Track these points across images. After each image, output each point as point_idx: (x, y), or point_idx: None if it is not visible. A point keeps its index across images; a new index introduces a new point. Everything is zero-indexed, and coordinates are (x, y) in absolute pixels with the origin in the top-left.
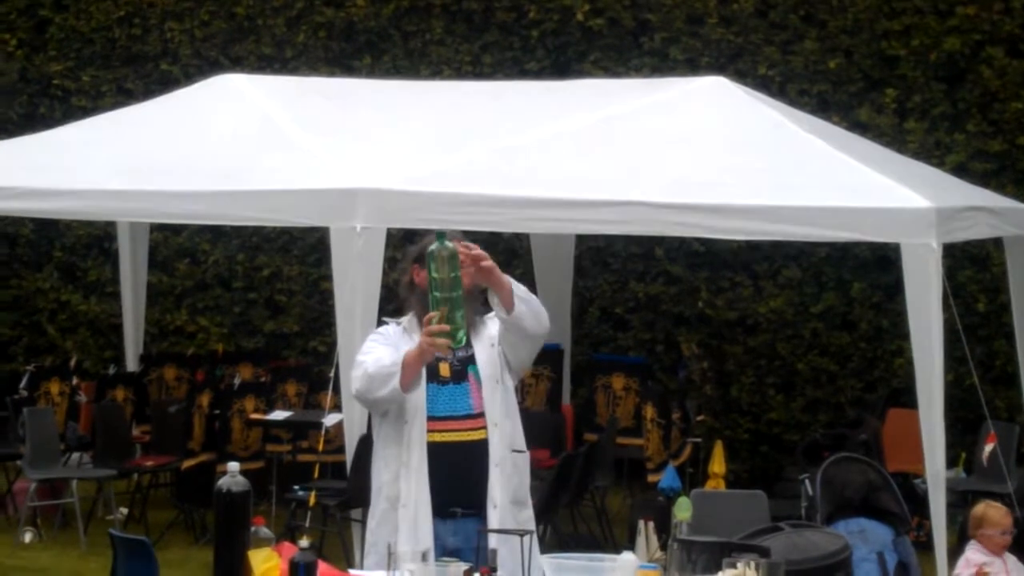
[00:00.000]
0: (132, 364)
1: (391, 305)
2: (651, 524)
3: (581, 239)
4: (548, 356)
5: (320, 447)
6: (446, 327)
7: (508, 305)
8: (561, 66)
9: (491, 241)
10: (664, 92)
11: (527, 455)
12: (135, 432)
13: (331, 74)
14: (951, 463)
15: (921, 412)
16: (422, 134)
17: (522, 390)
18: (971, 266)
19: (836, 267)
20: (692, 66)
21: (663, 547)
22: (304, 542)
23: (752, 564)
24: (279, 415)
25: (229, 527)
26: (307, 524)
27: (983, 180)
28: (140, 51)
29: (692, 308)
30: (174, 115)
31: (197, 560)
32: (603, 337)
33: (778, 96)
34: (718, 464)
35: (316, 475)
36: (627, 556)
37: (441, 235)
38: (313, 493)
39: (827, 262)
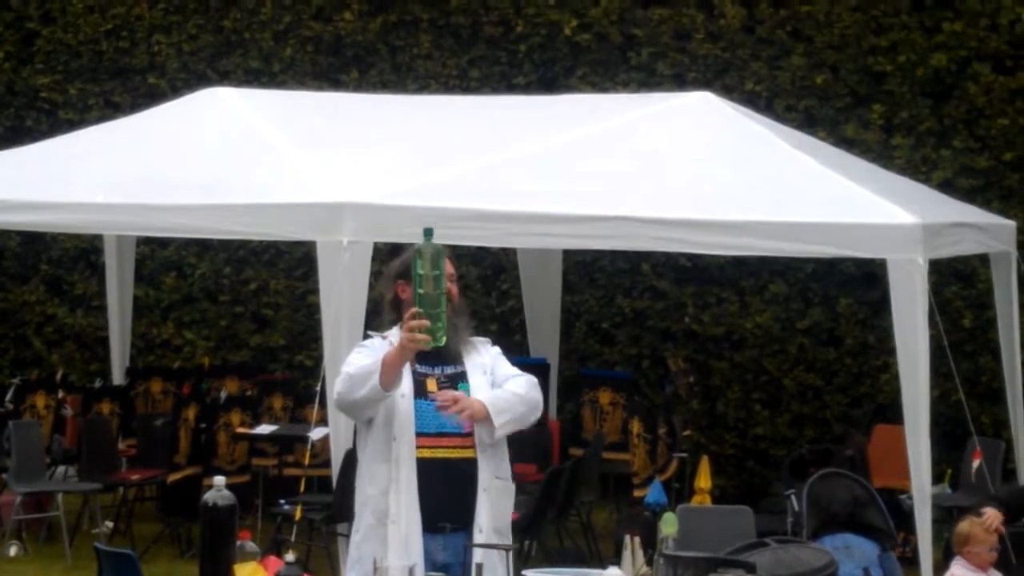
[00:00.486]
0: (118, 377)
1: (377, 319)
2: (637, 539)
3: (568, 254)
4: (534, 371)
5: (306, 461)
6: (426, 323)
7: (491, 430)
8: (548, 81)
9: (478, 256)
10: (651, 107)
11: (512, 486)
12: (121, 446)
13: (318, 88)
14: (937, 479)
15: (907, 428)
16: (409, 148)
17: None
18: (957, 282)
19: (822, 283)
20: (679, 81)
21: (649, 562)
22: (290, 556)
23: None
24: (265, 429)
25: (215, 541)
26: (293, 538)
27: (969, 196)
28: (127, 64)
29: (679, 323)
30: (161, 128)
31: (183, 574)
32: (590, 352)
33: (765, 112)
34: (704, 479)
35: (302, 489)
36: (613, 571)
37: (428, 231)
38: (299, 507)
39: (813, 278)
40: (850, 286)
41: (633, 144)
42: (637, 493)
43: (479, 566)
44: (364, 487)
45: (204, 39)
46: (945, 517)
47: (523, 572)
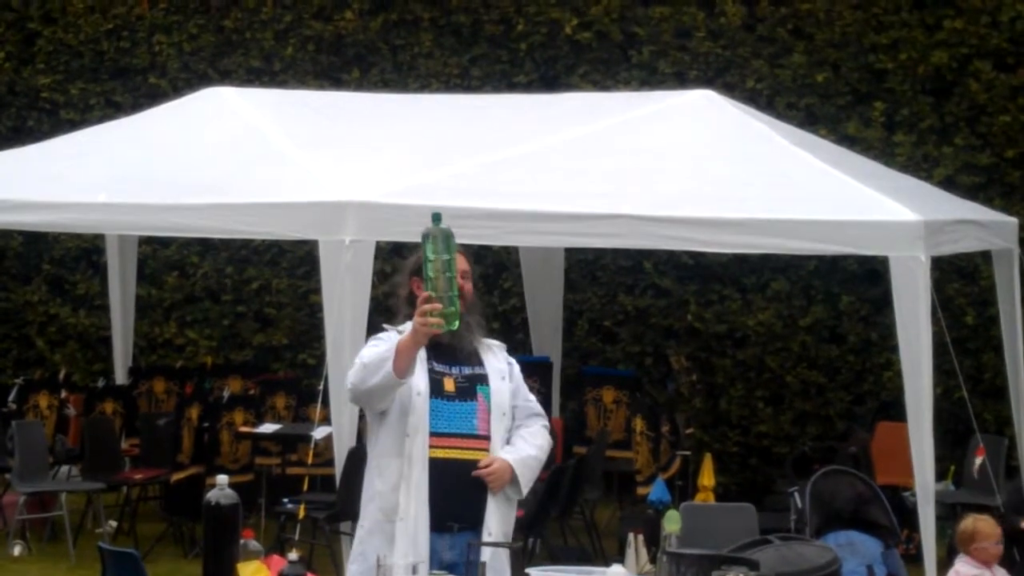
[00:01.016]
0: (121, 377)
1: (381, 318)
2: (640, 537)
3: (570, 252)
4: (537, 369)
5: (309, 460)
6: (439, 306)
7: (518, 495)
8: (549, 79)
9: (480, 254)
10: (652, 105)
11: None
12: (124, 445)
13: (320, 87)
14: (940, 476)
15: (910, 425)
16: (411, 147)
17: None
18: (959, 279)
19: (825, 280)
20: (680, 79)
21: (652, 560)
22: (293, 555)
23: None
24: (268, 428)
25: (218, 540)
26: (296, 537)
27: (971, 193)
28: (128, 64)
29: (681, 321)
30: (162, 128)
31: (186, 573)
32: (592, 350)
33: (766, 109)
34: (707, 477)
35: (305, 488)
36: (617, 569)
37: (437, 216)
38: (302, 506)
39: (816, 275)
40: (852, 283)
41: (634, 142)
42: (640, 491)
43: (483, 565)
44: (373, 481)
45: (205, 39)
46: (948, 514)
47: (527, 570)
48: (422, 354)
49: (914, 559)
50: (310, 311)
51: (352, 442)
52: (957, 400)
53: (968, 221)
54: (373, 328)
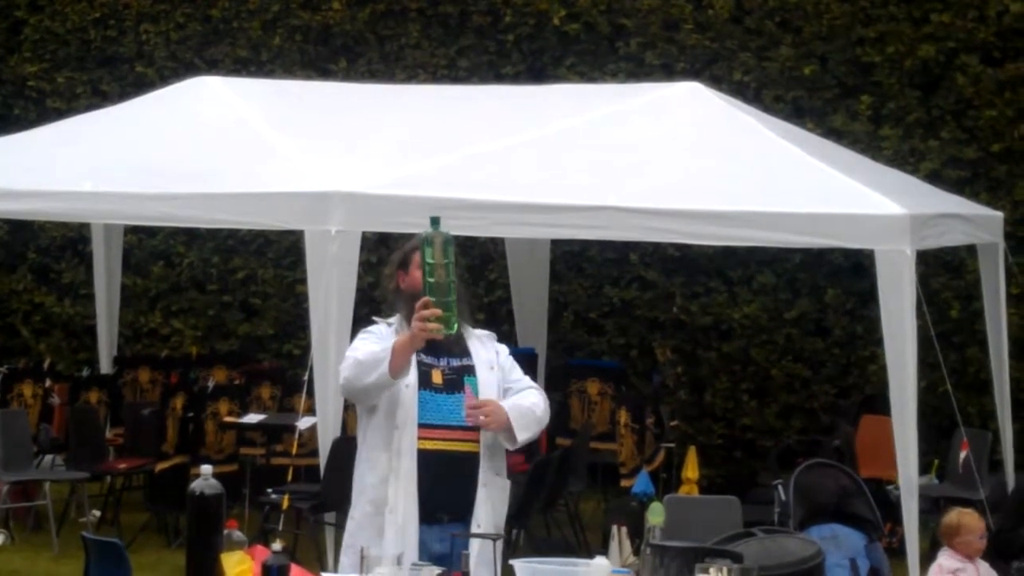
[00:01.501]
0: (106, 366)
1: (366, 308)
2: (624, 529)
3: (556, 244)
4: (522, 361)
5: (294, 450)
6: (439, 311)
7: (512, 443)
8: (537, 71)
9: (466, 245)
10: (639, 97)
11: (508, 483)
12: (108, 435)
13: (307, 77)
14: (924, 469)
15: (894, 418)
16: (397, 138)
17: None
18: (945, 273)
19: (810, 273)
20: (668, 71)
21: (636, 552)
22: (277, 545)
23: (725, 569)
24: (253, 418)
25: (202, 530)
26: (280, 527)
27: (957, 187)
28: (115, 53)
29: (667, 313)
30: (149, 117)
31: (170, 563)
32: (578, 342)
33: (753, 102)
34: (691, 469)
35: (290, 478)
36: (600, 561)
37: (435, 220)
38: (287, 496)
39: (801, 268)
40: (838, 277)
41: (621, 134)
42: (624, 483)
43: (466, 556)
44: (363, 474)
45: (192, 28)
46: (932, 508)
47: (510, 562)
48: None
49: (897, 552)
50: (296, 301)
51: (337, 432)
52: (941, 394)
53: (954, 215)
54: (359, 318)
